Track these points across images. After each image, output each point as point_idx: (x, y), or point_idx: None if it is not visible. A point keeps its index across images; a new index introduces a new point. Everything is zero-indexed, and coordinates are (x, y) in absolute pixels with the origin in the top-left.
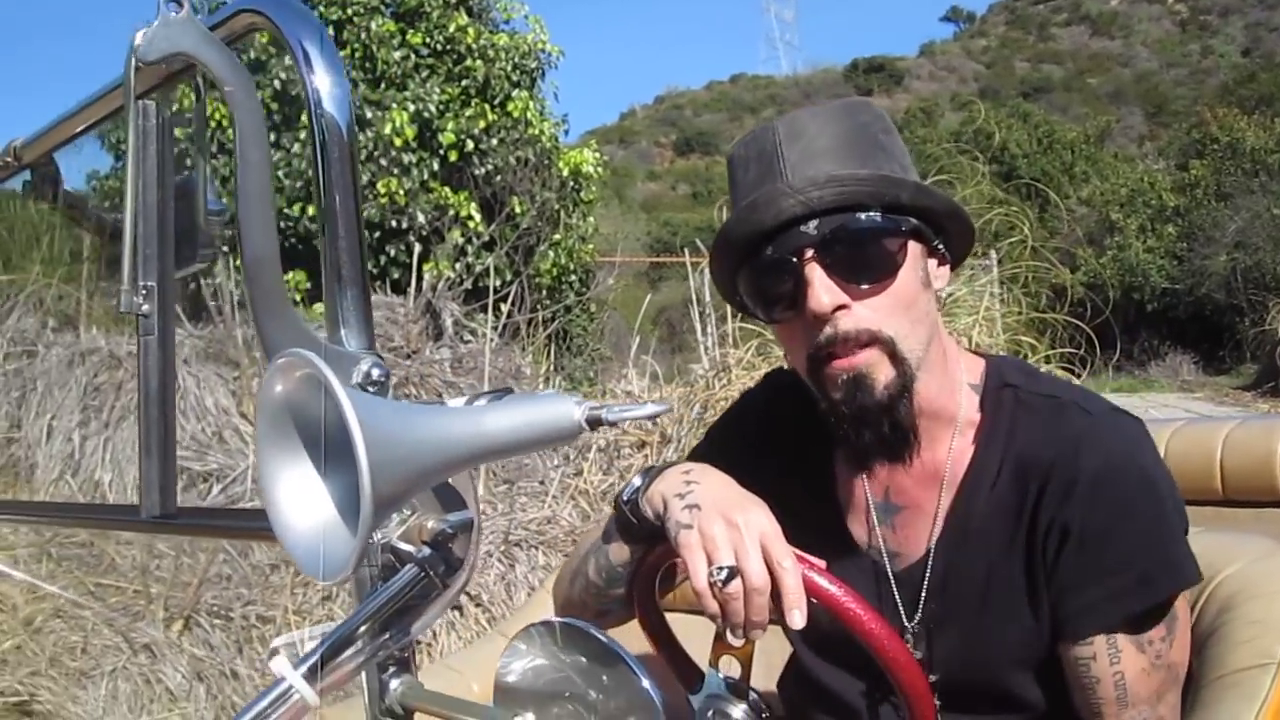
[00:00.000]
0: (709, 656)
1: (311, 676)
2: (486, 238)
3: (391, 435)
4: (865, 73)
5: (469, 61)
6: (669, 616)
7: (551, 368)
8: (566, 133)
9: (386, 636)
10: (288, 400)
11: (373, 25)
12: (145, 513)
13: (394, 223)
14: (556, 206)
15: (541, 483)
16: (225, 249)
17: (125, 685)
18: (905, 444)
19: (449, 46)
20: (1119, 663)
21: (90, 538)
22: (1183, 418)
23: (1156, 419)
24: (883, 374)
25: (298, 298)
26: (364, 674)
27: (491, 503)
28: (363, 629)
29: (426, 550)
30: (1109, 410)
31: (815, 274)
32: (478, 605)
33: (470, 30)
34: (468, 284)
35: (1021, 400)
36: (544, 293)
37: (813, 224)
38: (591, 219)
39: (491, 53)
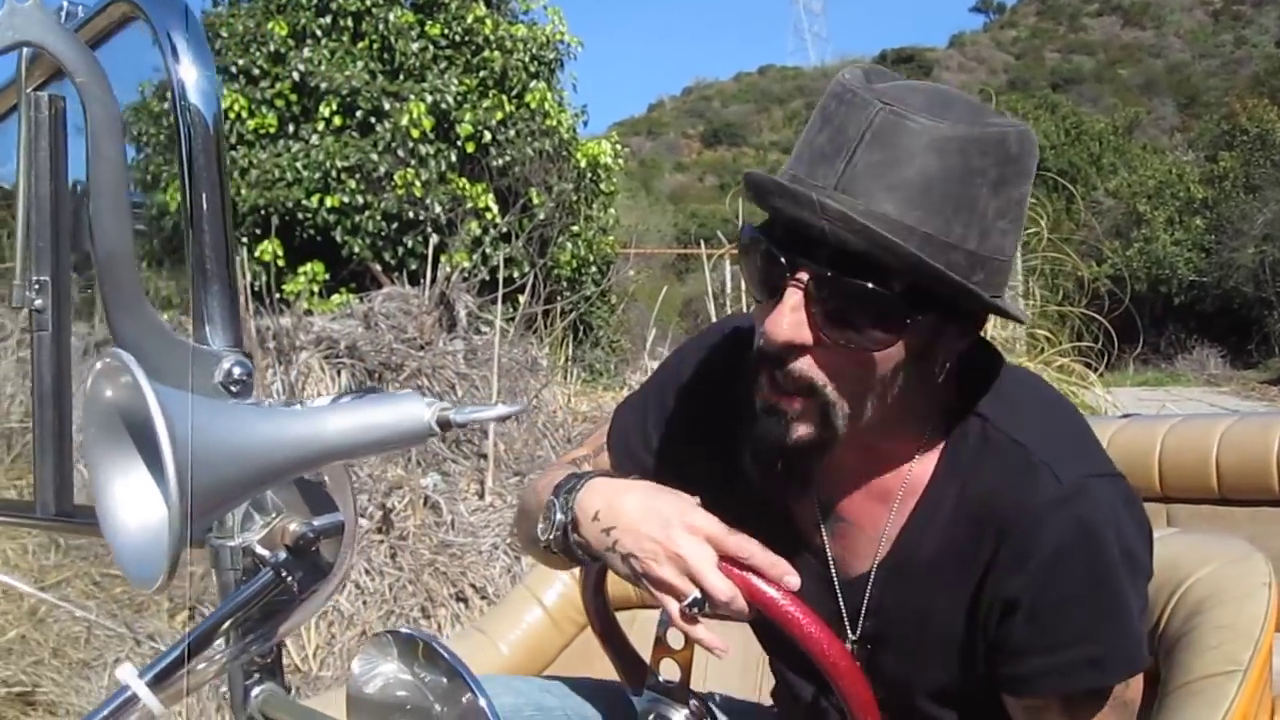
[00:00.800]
0: (650, 659)
1: (162, 682)
2: (504, 229)
3: (214, 438)
4: (894, 64)
5: (487, 53)
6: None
7: (569, 359)
8: (586, 124)
9: (247, 642)
10: (117, 402)
11: (391, 16)
12: (40, 510)
13: (411, 214)
14: (575, 198)
15: None
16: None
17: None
18: (805, 487)
19: (467, 37)
20: (1072, 714)
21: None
22: (1178, 415)
23: (1152, 416)
24: (803, 427)
25: (315, 289)
26: (229, 682)
27: (501, 494)
28: (220, 635)
29: (283, 554)
30: (1084, 476)
31: (793, 299)
32: (483, 598)
33: (488, 21)
34: (484, 275)
35: (989, 438)
36: (564, 284)
37: (827, 254)
38: (612, 210)
39: (509, 44)
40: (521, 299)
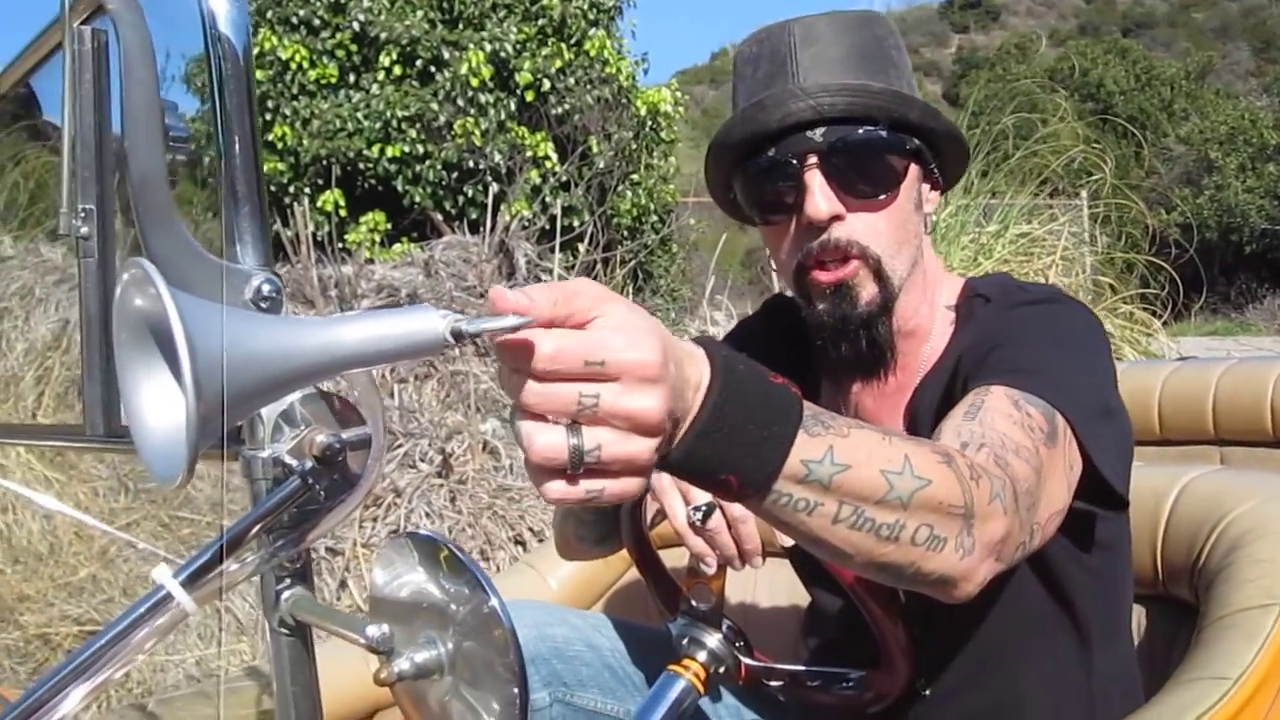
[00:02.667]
0: (684, 587)
1: (196, 582)
2: (563, 177)
3: (231, 344)
4: (961, 8)
5: (545, 0)
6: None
7: None
8: (646, 72)
9: (277, 546)
10: (144, 310)
11: None
12: (89, 431)
13: (471, 163)
14: (634, 146)
15: None
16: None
17: (195, 616)
18: (881, 360)
19: None
20: (985, 396)
21: None
22: (1234, 358)
23: (1207, 359)
24: (866, 289)
25: (376, 239)
26: (262, 586)
27: None
28: (250, 539)
29: (310, 464)
30: (1057, 291)
31: (815, 180)
32: (540, 541)
33: None
34: (543, 223)
35: (990, 304)
36: (624, 232)
37: (819, 131)
38: (673, 159)
39: None
40: (581, 247)
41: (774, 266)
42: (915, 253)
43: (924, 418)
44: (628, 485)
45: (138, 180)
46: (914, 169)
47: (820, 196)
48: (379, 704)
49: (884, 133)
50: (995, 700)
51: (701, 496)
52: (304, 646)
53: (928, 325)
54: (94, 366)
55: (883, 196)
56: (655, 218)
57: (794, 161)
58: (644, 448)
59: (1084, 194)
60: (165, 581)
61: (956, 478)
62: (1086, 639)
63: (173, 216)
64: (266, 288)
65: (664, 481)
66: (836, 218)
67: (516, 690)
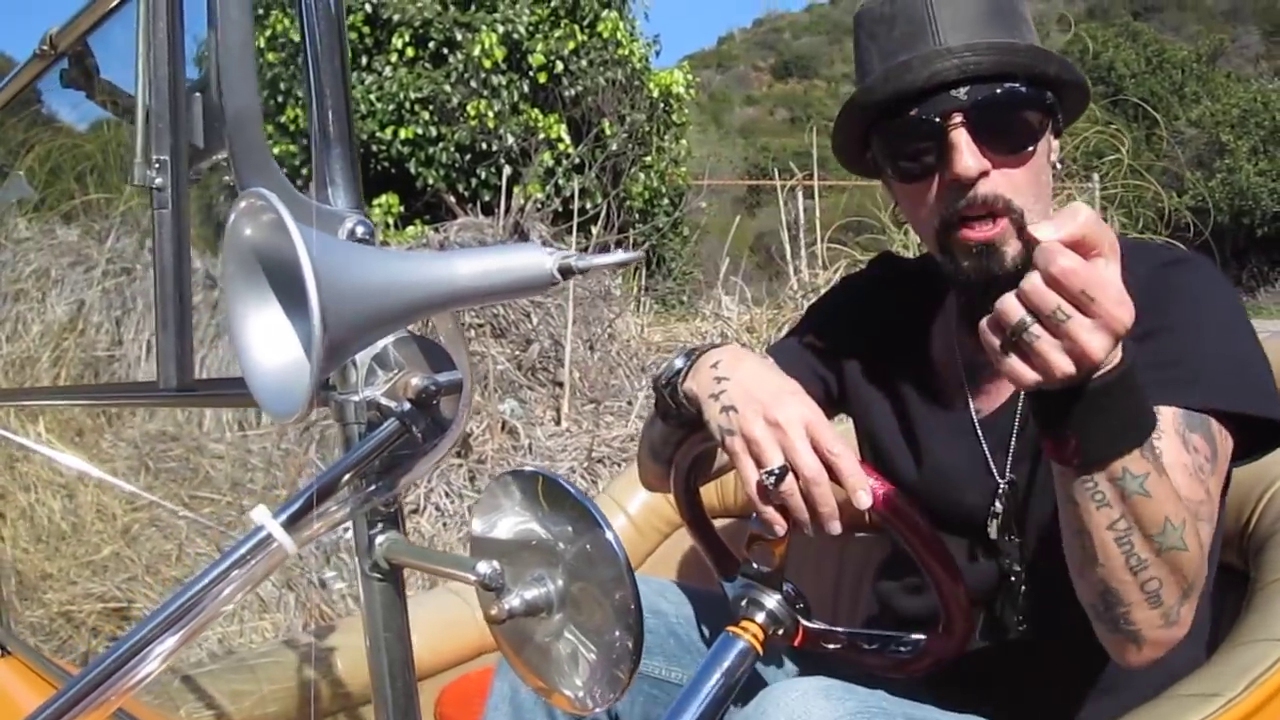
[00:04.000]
0: (746, 547)
1: (291, 526)
2: (576, 160)
3: (351, 275)
4: None
5: None
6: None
7: (641, 289)
8: (658, 54)
9: (371, 490)
10: (254, 242)
11: None
12: (163, 384)
13: (484, 145)
14: (647, 128)
15: (629, 402)
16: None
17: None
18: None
19: None
20: (1160, 440)
21: (186, 453)
22: (1263, 333)
23: None
24: (1011, 247)
25: (390, 221)
26: (354, 530)
27: (578, 421)
28: (345, 484)
29: (408, 406)
30: (1192, 254)
31: (962, 138)
32: None
33: None
34: (557, 205)
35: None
36: (636, 215)
37: (963, 89)
38: (684, 141)
39: None
40: (594, 229)
41: (901, 218)
42: (1049, 203)
43: None
44: (1026, 376)
45: (233, 121)
46: (1048, 122)
47: (968, 154)
48: (423, 673)
49: (1024, 89)
50: (1089, 645)
51: (774, 461)
52: (396, 591)
53: None
54: (168, 317)
55: (1027, 150)
56: (667, 201)
57: (938, 120)
58: (1067, 365)
59: (1095, 177)
60: (265, 522)
61: (1201, 560)
62: None
63: (266, 155)
64: (360, 229)
65: (736, 445)
66: (983, 174)
67: (628, 629)
